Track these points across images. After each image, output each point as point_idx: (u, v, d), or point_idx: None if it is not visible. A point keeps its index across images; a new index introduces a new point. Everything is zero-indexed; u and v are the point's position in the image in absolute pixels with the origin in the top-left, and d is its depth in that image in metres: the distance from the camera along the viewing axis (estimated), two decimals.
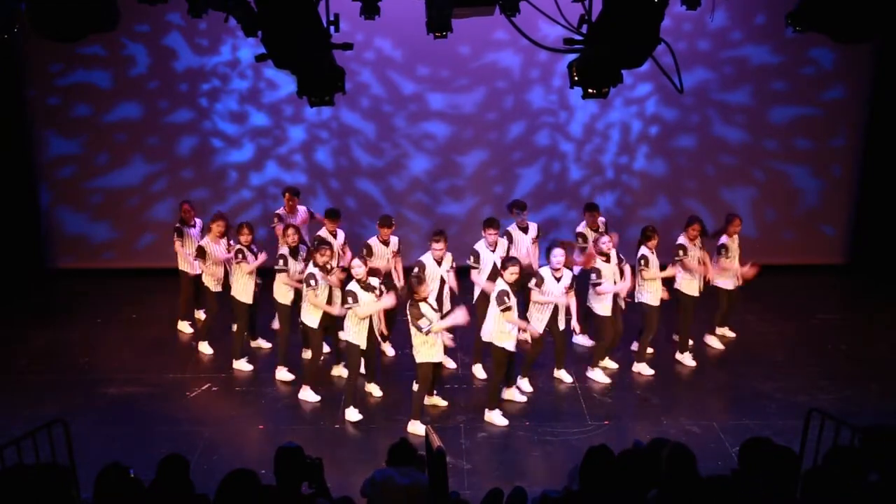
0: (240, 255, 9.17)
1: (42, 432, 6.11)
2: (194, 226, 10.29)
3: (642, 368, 9.35)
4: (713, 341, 10.01)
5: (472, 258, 9.22)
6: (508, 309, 8.06)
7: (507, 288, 8.08)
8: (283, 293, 9.19)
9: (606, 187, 12.27)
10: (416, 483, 5.23)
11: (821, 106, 12.02)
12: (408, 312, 7.94)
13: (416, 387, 8.38)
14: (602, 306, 9.06)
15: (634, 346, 9.57)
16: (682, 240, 9.40)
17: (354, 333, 8.21)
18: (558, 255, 8.48)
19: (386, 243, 9.48)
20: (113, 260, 12.43)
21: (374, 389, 8.90)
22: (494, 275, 8.85)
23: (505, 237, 9.58)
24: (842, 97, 11.99)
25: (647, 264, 9.10)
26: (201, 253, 9.52)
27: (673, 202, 12.34)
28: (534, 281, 8.52)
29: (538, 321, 8.56)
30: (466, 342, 9.70)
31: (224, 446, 7.96)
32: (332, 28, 5.84)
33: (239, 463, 4.88)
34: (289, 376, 9.18)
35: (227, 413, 8.72)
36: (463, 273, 9.40)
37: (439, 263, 9.00)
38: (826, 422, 6.22)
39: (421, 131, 12.05)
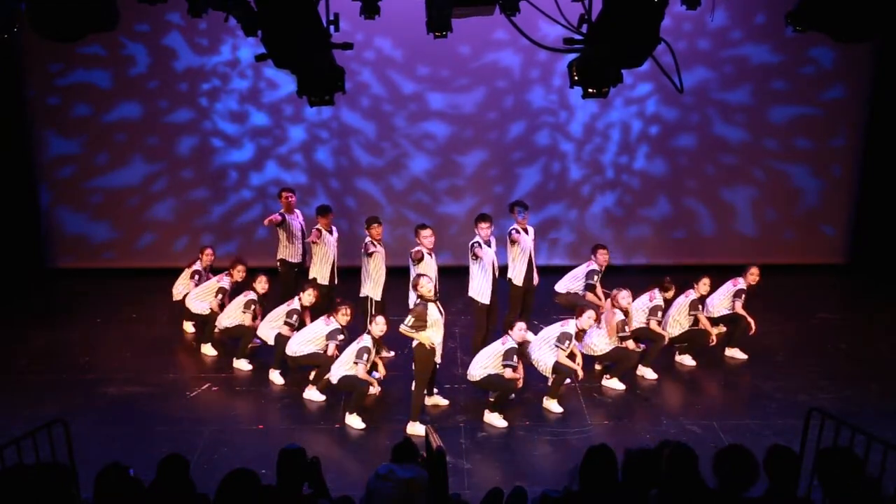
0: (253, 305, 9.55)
1: (42, 432, 6.10)
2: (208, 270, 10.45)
3: (647, 372, 9.32)
4: (736, 353, 9.78)
5: (472, 253, 9.13)
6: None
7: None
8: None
9: (606, 187, 12.27)
10: (418, 477, 5.31)
11: (821, 106, 12.01)
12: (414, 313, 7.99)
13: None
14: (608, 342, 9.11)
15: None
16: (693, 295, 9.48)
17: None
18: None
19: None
20: (113, 260, 12.42)
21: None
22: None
23: (508, 237, 9.56)
24: (842, 97, 11.98)
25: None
26: (223, 294, 9.89)
27: (673, 202, 12.34)
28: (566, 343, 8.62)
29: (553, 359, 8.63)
30: (466, 342, 9.70)
31: (224, 446, 7.95)
32: (332, 28, 5.84)
33: (239, 463, 4.89)
34: (280, 380, 9.18)
35: (227, 413, 8.72)
36: (459, 273, 9.42)
37: (431, 254, 9.01)
38: (826, 421, 6.22)
39: (421, 131, 12.05)
